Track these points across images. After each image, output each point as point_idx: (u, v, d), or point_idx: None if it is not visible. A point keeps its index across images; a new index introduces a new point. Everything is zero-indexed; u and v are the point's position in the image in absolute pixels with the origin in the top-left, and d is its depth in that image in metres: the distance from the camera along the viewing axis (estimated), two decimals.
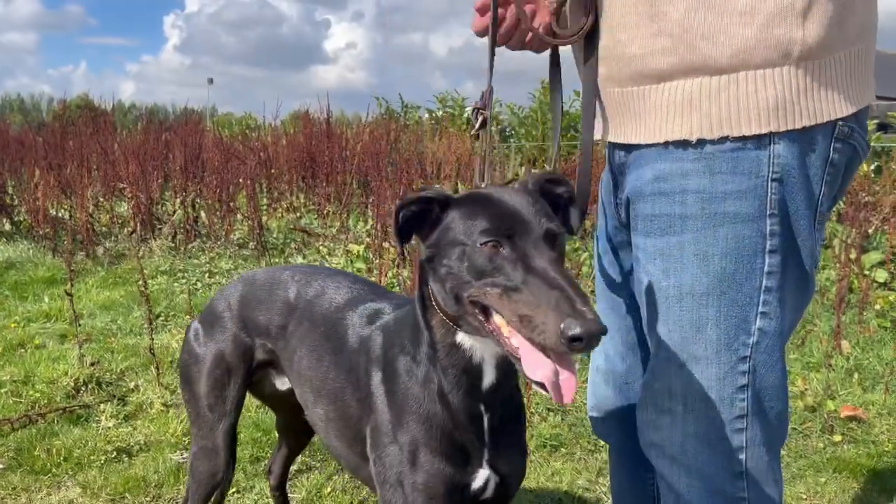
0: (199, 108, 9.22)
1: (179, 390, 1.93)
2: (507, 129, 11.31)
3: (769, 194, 1.27)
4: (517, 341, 1.16)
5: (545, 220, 1.20)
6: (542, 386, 1.13)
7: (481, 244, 1.17)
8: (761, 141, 1.25)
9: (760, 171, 1.26)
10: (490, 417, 1.40)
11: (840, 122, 1.28)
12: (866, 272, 4.77)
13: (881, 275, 4.84)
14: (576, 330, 1.04)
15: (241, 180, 6.14)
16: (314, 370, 1.65)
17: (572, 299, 1.08)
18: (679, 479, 1.41)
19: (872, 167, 6.89)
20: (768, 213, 1.27)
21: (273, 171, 7.39)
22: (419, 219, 1.28)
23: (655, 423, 1.42)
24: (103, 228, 6.10)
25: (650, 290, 1.39)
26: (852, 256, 4.64)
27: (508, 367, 1.35)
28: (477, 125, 1.46)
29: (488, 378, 1.35)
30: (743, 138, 1.25)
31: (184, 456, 2.84)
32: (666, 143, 1.30)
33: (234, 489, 2.59)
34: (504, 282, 1.14)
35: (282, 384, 1.88)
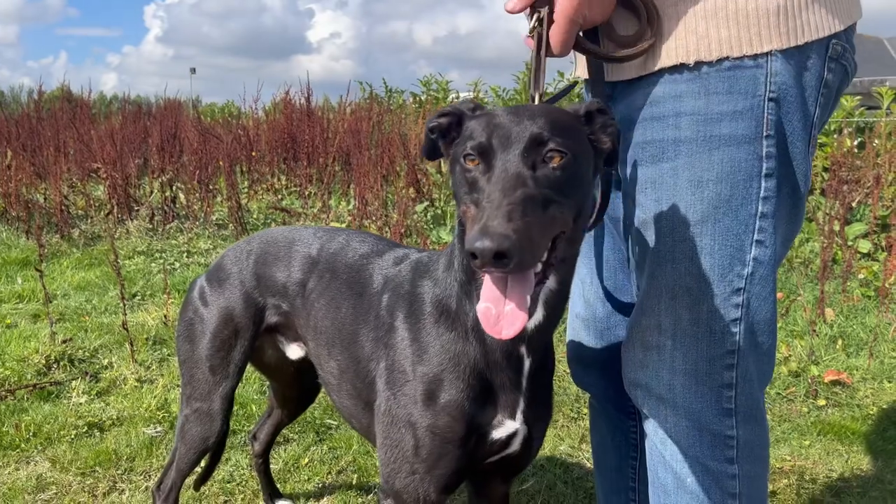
0: (182, 98, 9.05)
1: (176, 349, 1.84)
2: None
3: (766, 115, 1.22)
4: None
5: (536, 131, 1.08)
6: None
7: (462, 157, 1.13)
8: (758, 59, 1.21)
9: (757, 90, 1.22)
10: (531, 362, 1.31)
11: (833, 41, 1.25)
12: (850, 243, 4.75)
13: (864, 245, 4.83)
14: (471, 243, 0.96)
15: (220, 161, 6.03)
16: (331, 319, 1.57)
17: (488, 213, 1.00)
18: (665, 418, 1.36)
19: (856, 142, 6.88)
20: (764, 134, 1.23)
21: (254, 153, 7.29)
22: (445, 135, 1.24)
23: (642, 362, 1.37)
24: (79, 212, 5.99)
25: (641, 223, 1.34)
26: (836, 228, 4.62)
27: (557, 304, 1.26)
28: (531, 23, 1.26)
29: (535, 315, 1.23)
30: (741, 58, 1.21)
31: (157, 430, 2.77)
32: (661, 70, 1.26)
33: None
34: (475, 196, 1.09)
35: (292, 352, 1.79)
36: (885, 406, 3.04)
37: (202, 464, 2.03)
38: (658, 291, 1.32)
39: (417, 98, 11.85)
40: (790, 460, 2.63)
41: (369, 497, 2.43)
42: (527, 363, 1.30)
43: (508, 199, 1.01)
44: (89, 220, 5.77)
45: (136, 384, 3.14)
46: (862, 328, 3.76)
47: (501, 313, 1.06)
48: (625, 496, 1.71)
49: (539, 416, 1.37)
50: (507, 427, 1.32)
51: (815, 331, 3.59)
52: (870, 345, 3.47)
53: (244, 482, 2.45)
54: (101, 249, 5.18)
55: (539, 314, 1.23)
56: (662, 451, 1.41)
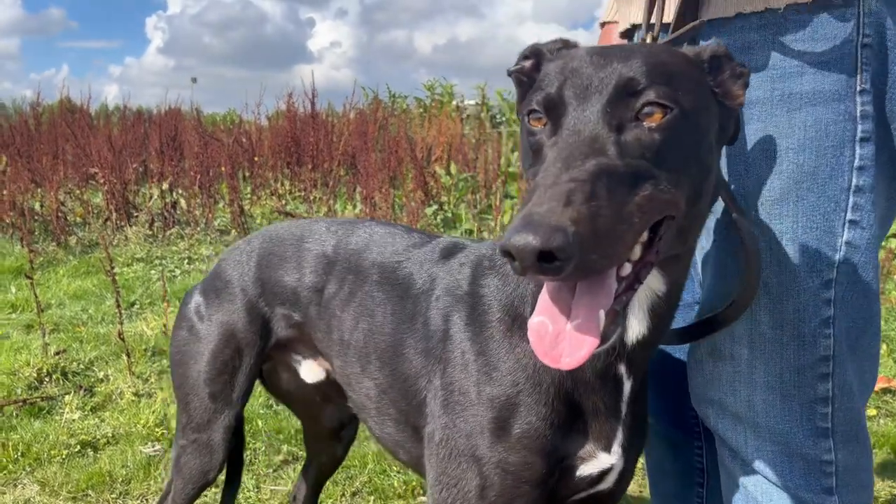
0: (183, 107, 8.83)
1: (170, 373, 1.60)
2: (498, 116, 11.04)
3: (859, 64, 0.99)
4: None
5: (627, 76, 0.81)
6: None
7: (526, 114, 0.87)
8: None
9: (848, 34, 0.98)
10: (633, 384, 1.05)
11: None
12: (882, 243, 4.53)
13: None
14: (507, 239, 0.70)
15: (221, 167, 5.83)
16: (363, 331, 1.30)
17: (538, 194, 0.74)
18: (745, 441, 1.14)
19: None
20: (858, 89, 1.00)
21: (256, 158, 7.09)
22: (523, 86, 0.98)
23: (713, 375, 1.15)
24: (77, 219, 5.79)
25: None
26: None
27: (666, 312, 1.00)
28: None
29: (637, 326, 0.98)
30: None
31: (156, 448, 2.56)
32: (729, 18, 1.03)
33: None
34: (536, 171, 0.83)
35: (309, 374, 1.52)
36: None
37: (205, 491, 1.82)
38: (728, 289, 1.09)
39: (421, 103, 11.68)
40: None
41: None
42: (627, 385, 1.05)
43: (571, 174, 0.75)
44: (87, 228, 5.57)
45: (133, 398, 2.93)
46: None
47: (562, 333, 0.79)
48: None
49: (636, 445, 1.12)
50: (600, 461, 1.07)
51: None
52: None
53: None
54: (99, 257, 4.97)
55: (642, 325, 0.98)
56: (743, 482, 1.19)
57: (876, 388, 2.95)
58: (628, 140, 0.81)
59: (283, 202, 6.47)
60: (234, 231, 5.48)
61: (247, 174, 6.97)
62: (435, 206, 5.86)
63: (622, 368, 1.03)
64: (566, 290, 0.81)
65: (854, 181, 1.02)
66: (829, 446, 1.10)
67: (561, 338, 0.79)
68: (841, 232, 1.03)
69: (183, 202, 5.78)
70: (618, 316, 0.82)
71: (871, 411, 2.85)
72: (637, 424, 1.11)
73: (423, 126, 9.02)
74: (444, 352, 1.13)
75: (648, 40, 1.00)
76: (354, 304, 1.33)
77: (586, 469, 1.07)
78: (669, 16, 1.05)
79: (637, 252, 0.83)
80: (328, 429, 1.78)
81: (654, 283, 0.95)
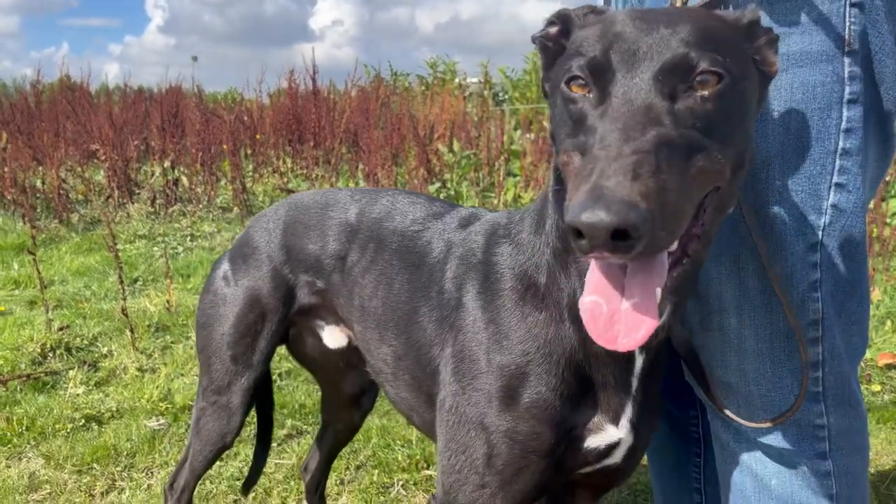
0: (184, 85, 8.75)
1: (195, 336, 1.62)
2: (501, 94, 10.97)
3: (847, 24, 0.97)
4: None
5: (680, 47, 0.78)
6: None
7: (565, 81, 0.83)
8: None
9: None
10: (645, 360, 1.03)
11: None
12: (887, 220, 4.51)
13: None
14: (577, 215, 0.66)
15: (223, 144, 5.80)
16: (382, 298, 1.30)
17: (602, 166, 0.70)
18: (738, 409, 1.13)
19: None
20: (846, 49, 0.98)
21: (258, 136, 7.06)
22: (548, 53, 0.94)
23: (703, 345, 1.14)
24: (79, 196, 5.78)
25: None
26: (872, 206, 4.39)
27: (687, 288, 0.97)
28: None
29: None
30: None
31: (160, 422, 2.56)
32: None
33: None
34: (581, 140, 0.79)
35: (331, 339, 1.54)
36: None
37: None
38: (717, 253, 1.08)
39: (424, 80, 11.62)
40: None
41: (392, 495, 2.21)
42: (639, 361, 1.03)
43: (634, 145, 0.72)
44: (88, 205, 5.56)
45: (136, 373, 2.93)
46: None
47: (617, 313, 0.77)
48: (688, 498, 1.48)
49: (647, 421, 1.10)
50: (608, 434, 1.06)
51: None
52: None
53: (287, 479, 2.25)
54: (101, 234, 4.96)
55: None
56: (737, 450, 1.18)
57: (881, 364, 2.95)
58: (681, 109, 0.78)
59: (286, 180, 6.45)
60: (235, 209, 5.46)
61: (248, 152, 6.94)
62: (438, 184, 5.84)
63: None
64: (618, 267, 0.79)
65: (841, 144, 1.01)
66: (821, 410, 1.10)
67: (616, 318, 0.77)
68: (827, 195, 1.02)
69: (185, 180, 5.76)
70: (667, 293, 0.80)
71: (875, 387, 2.85)
72: (649, 401, 1.09)
73: (426, 104, 8.96)
74: (457, 320, 1.12)
75: (679, 3, 0.97)
76: (374, 272, 1.33)
77: (594, 441, 1.06)
78: None
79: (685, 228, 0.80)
80: (349, 395, 1.78)
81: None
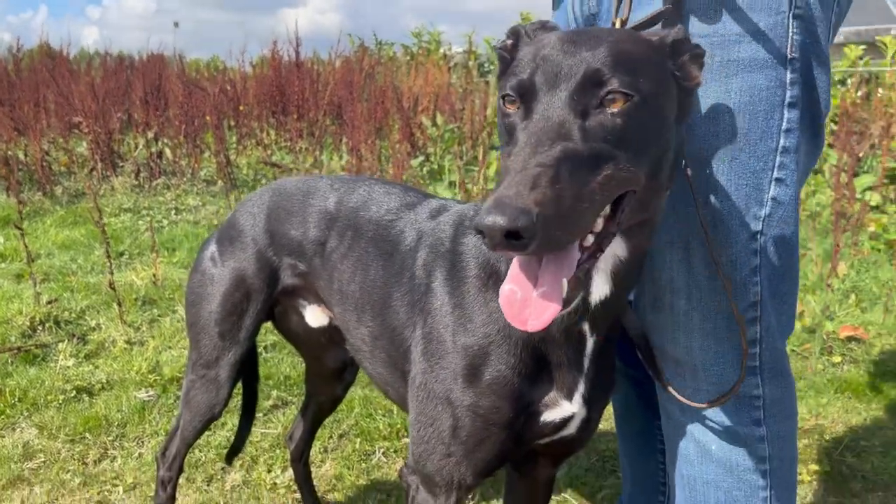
0: (165, 53, 8.64)
1: (184, 314, 1.72)
2: (486, 64, 10.93)
3: (790, 34, 1.07)
4: None
5: (594, 66, 0.88)
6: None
7: (501, 97, 0.94)
8: None
9: (781, 5, 1.06)
10: (595, 342, 1.14)
11: None
12: (857, 196, 4.63)
13: (875, 198, 4.71)
14: (480, 219, 0.78)
15: (206, 115, 5.80)
16: (359, 283, 1.40)
17: (508, 178, 0.81)
18: (685, 383, 1.24)
19: (861, 93, 6.73)
20: (788, 57, 1.08)
21: (241, 107, 7.04)
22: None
23: (655, 325, 1.24)
24: (62, 168, 5.78)
25: None
26: (844, 181, 4.50)
27: (626, 276, 1.07)
28: None
29: (599, 288, 1.06)
30: None
31: (150, 394, 2.65)
32: None
33: None
34: (510, 151, 0.89)
35: (313, 318, 1.63)
36: None
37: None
38: (669, 240, 1.18)
39: (409, 50, 11.53)
40: (809, 419, 2.54)
41: (373, 462, 2.33)
42: (589, 342, 1.13)
43: (538, 159, 0.82)
44: (72, 177, 5.56)
45: (125, 346, 3.01)
46: (875, 282, 3.67)
47: (529, 299, 0.88)
48: (653, 459, 1.60)
49: (599, 397, 1.21)
50: (562, 409, 1.16)
51: (829, 285, 3.49)
52: (884, 300, 3.37)
53: (273, 447, 2.35)
54: (86, 207, 4.98)
55: (605, 287, 1.06)
56: (682, 420, 1.30)
57: (842, 336, 3.09)
58: (592, 125, 0.88)
59: (269, 152, 6.47)
60: (220, 182, 5.49)
61: (232, 124, 6.93)
62: (421, 158, 5.89)
63: (586, 326, 1.12)
64: (533, 261, 0.89)
65: (781, 142, 1.11)
66: (758, 382, 1.22)
67: (527, 303, 0.88)
68: (768, 189, 1.13)
69: (168, 152, 5.77)
70: (580, 282, 0.91)
71: (836, 358, 2.99)
72: (601, 378, 1.19)
73: (410, 75, 8.94)
74: (426, 304, 1.22)
75: (618, 24, 1.06)
76: (352, 258, 1.42)
77: (550, 415, 1.16)
78: None
79: (599, 224, 0.91)
80: (331, 369, 1.88)
81: (616, 248, 1.03)
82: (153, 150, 5.49)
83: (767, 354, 1.20)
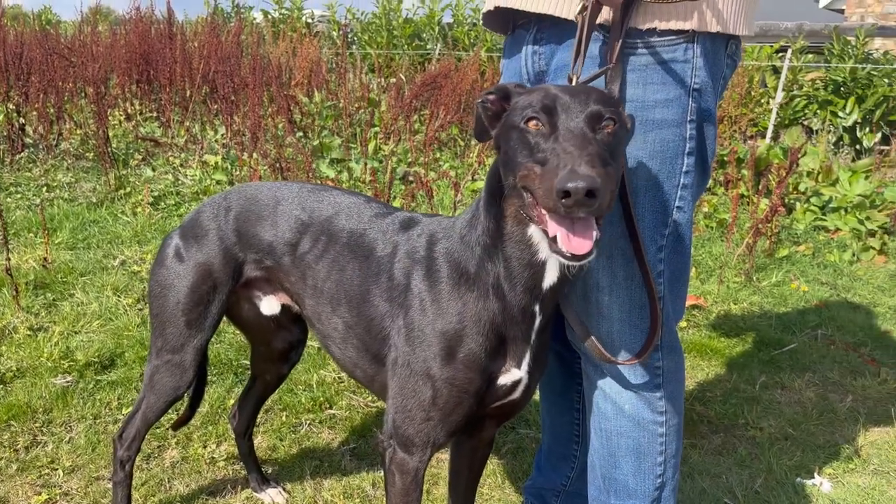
0: None
1: (148, 303, 1.85)
2: (350, 35, 10.97)
3: (690, 102, 1.46)
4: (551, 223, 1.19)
5: (595, 105, 1.22)
6: (554, 240, 1.18)
7: (523, 121, 1.23)
8: (687, 52, 1.43)
9: (685, 82, 1.45)
10: (542, 319, 1.45)
11: (731, 40, 1.51)
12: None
13: None
14: (563, 184, 1.07)
15: (72, 83, 5.52)
16: (335, 281, 1.63)
17: (574, 159, 1.11)
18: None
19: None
20: (689, 118, 1.47)
21: (97, 73, 6.70)
22: (495, 115, 1.34)
23: (582, 313, 1.60)
24: None
25: None
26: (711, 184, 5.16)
27: (570, 269, 1.36)
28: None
29: (550, 277, 1.37)
30: (673, 44, 1.42)
31: (67, 379, 2.70)
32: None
33: None
34: (540, 157, 1.19)
35: (267, 308, 1.83)
36: (733, 325, 3.58)
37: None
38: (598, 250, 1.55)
39: (269, 16, 11.29)
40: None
41: (302, 432, 2.55)
42: (538, 320, 1.45)
43: (588, 150, 1.14)
44: None
45: (28, 332, 2.99)
46: (709, 256, 4.31)
47: (572, 234, 1.17)
48: (569, 416, 1.97)
49: (538, 366, 1.54)
50: (513, 374, 1.48)
51: None
52: (718, 272, 4.00)
53: (204, 424, 2.50)
54: None
55: (554, 276, 1.38)
56: (601, 384, 1.67)
57: (686, 305, 3.65)
58: (599, 138, 1.22)
59: (134, 123, 6.25)
60: (90, 154, 5.30)
61: (89, 92, 6.59)
62: (300, 134, 5.96)
63: (537, 307, 1.44)
64: (566, 220, 1.18)
65: (682, 181, 1.51)
66: (659, 356, 1.62)
67: (573, 237, 1.17)
68: (671, 214, 1.53)
69: (30, 128, 5.45)
70: (597, 241, 1.20)
71: (682, 324, 3.55)
72: (541, 351, 1.53)
73: (278, 45, 8.84)
74: (406, 300, 1.49)
75: (575, 80, 1.38)
76: (327, 259, 1.65)
77: (504, 380, 1.48)
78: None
79: None
80: (278, 350, 2.08)
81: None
82: (15, 121, 5.18)
83: (666, 336, 1.60)
